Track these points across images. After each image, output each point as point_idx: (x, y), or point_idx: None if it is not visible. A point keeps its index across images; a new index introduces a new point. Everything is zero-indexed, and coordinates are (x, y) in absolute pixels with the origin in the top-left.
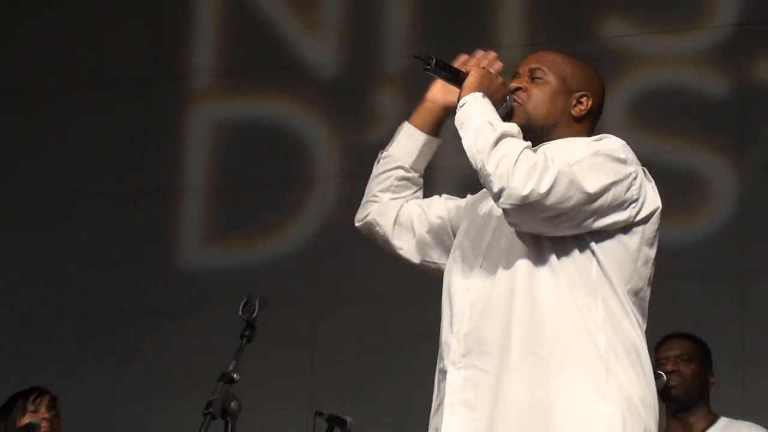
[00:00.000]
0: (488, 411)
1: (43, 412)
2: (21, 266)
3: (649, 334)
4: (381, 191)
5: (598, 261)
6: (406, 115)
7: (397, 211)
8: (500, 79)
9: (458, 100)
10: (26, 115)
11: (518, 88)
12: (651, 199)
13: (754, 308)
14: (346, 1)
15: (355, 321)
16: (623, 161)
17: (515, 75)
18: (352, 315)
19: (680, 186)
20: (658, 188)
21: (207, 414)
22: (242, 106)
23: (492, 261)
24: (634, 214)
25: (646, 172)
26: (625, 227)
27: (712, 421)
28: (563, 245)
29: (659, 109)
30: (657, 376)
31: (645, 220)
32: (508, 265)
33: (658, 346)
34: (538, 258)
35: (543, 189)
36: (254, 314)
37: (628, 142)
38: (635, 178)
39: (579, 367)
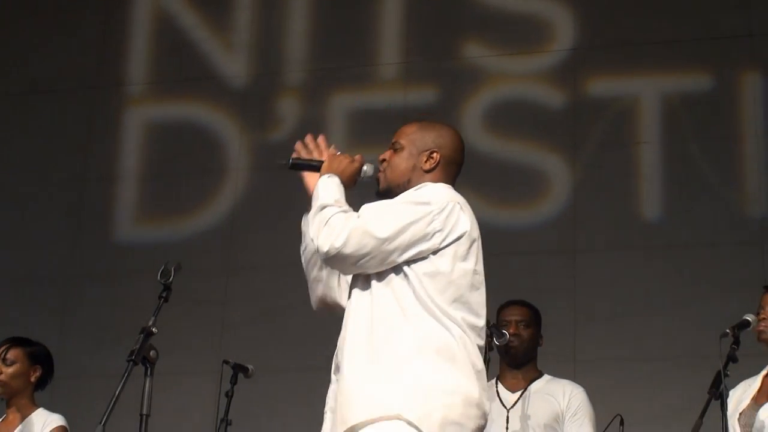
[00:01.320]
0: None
1: None
2: None
3: (497, 300)
4: (318, 271)
5: (411, 283)
6: (302, 119)
7: (338, 279)
8: (347, 159)
9: None
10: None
11: (383, 160)
12: (461, 225)
13: (582, 279)
14: (255, 26)
15: (260, 286)
16: (425, 203)
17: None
18: (258, 281)
19: (525, 179)
20: (506, 182)
21: (130, 360)
22: (170, 109)
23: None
24: (439, 241)
25: (462, 205)
26: (435, 251)
27: (539, 376)
28: (385, 275)
29: (509, 117)
30: (501, 335)
31: (454, 243)
32: (351, 295)
33: (500, 309)
34: (367, 288)
35: (338, 243)
36: (170, 279)
37: (484, 145)
38: (438, 213)
39: (380, 368)
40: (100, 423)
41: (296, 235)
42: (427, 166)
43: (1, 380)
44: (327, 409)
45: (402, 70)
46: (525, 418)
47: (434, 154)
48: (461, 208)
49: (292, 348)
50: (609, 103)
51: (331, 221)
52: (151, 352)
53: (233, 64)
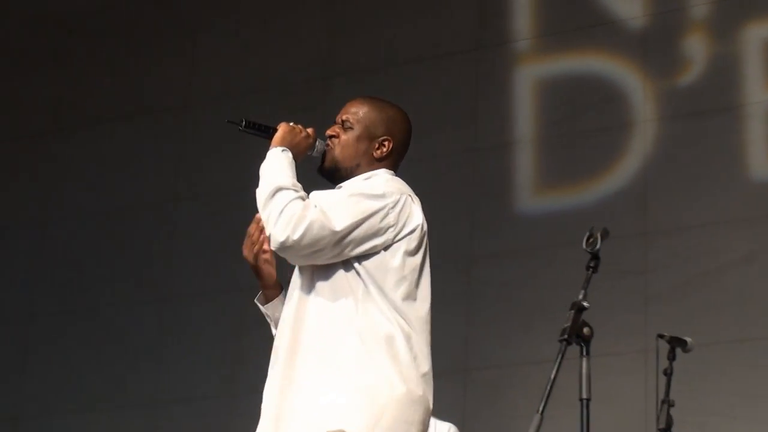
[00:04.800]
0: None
1: None
2: None
3: None
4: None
5: (362, 279)
6: (712, 57)
7: None
8: (303, 133)
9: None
10: (375, 86)
11: (332, 136)
12: (414, 219)
13: None
14: None
15: (684, 249)
16: (379, 196)
17: (334, 123)
18: (681, 244)
19: None
20: None
21: (563, 340)
22: (562, 62)
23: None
24: (392, 236)
25: (413, 197)
26: (387, 246)
27: None
28: (333, 268)
29: None
30: None
31: (406, 237)
32: (294, 290)
33: None
34: (312, 282)
35: (296, 236)
36: (597, 246)
37: None
38: (392, 207)
39: (328, 375)
40: (538, 411)
41: (726, 190)
42: (378, 154)
43: None
44: (265, 408)
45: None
46: None
47: (386, 142)
48: (412, 200)
49: (725, 317)
50: None
51: (288, 208)
52: (585, 329)
53: (629, 5)
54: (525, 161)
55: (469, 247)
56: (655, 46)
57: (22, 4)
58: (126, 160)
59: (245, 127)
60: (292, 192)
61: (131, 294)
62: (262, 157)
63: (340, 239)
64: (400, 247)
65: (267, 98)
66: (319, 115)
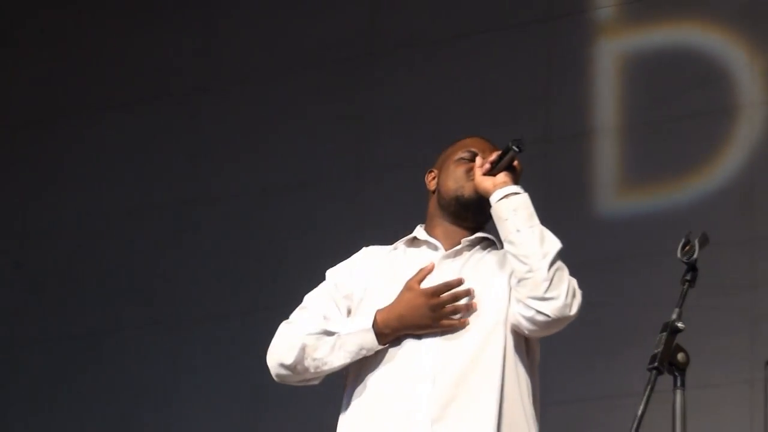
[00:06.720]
0: None
1: None
2: None
3: None
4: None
5: (530, 358)
6: None
7: None
8: None
9: (501, 184)
10: (425, 64)
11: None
12: None
13: None
14: None
15: None
16: None
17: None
18: None
19: None
20: None
21: (653, 368)
22: (650, 34)
23: (460, 334)
24: None
25: None
26: None
27: None
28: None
29: None
30: None
31: None
32: (480, 344)
33: None
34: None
35: (575, 311)
36: (695, 255)
37: None
38: None
39: None
40: None
41: None
42: None
43: None
44: None
45: None
46: None
47: None
48: None
49: None
50: None
51: (569, 279)
52: (680, 355)
53: None
54: (607, 154)
55: None
56: (764, 15)
57: None
58: (129, 155)
59: (517, 150)
60: None
61: (135, 318)
62: (295, 154)
63: None
64: None
65: (299, 79)
66: (363, 97)
